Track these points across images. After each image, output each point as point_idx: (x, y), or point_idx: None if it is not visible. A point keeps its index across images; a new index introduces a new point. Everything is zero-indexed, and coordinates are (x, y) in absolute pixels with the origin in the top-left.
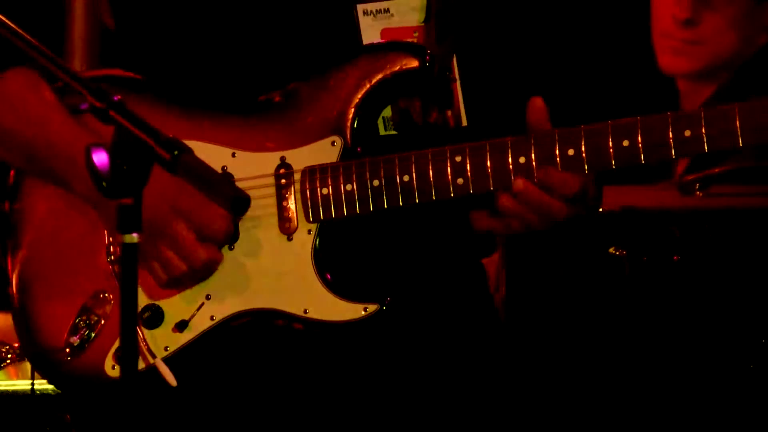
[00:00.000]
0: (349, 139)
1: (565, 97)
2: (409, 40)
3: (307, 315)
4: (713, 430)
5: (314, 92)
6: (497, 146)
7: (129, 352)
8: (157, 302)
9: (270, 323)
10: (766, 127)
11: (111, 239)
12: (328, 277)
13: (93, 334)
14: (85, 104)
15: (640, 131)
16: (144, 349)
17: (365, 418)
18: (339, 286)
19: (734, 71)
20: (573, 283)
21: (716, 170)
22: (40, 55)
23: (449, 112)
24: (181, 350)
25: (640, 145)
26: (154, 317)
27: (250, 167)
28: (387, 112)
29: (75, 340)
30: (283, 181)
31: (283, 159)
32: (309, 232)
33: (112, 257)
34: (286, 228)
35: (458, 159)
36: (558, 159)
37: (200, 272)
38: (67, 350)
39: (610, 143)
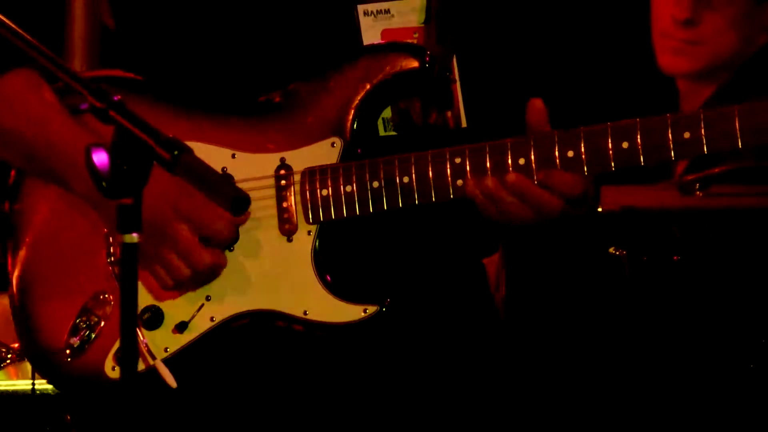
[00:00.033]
0: (348, 140)
1: (565, 98)
2: (410, 40)
3: (307, 316)
4: (713, 430)
5: (314, 93)
6: (497, 148)
7: (129, 353)
8: (157, 303)
9: (270, 324)
10: (766, 128)
11: (111, 240)
12: (328, 278)
13: (93, 335)
14: (85, 104)
15: (639, 133)
16: (144, 350)
17: (365, 419)
18: (339, 287)
19: (734, 71)
20: (573, 283)
21: (716, 170)
22: (40, 55)
23: (449, 113)
24: (181, 351)
25: (639, 147)
26: (154, 318)
27: (250, 168)
28: (387, 112)
29: (75, 340)
30: (283, 182)
31: (283, 160)
32: (309, 233)
33: (112, 258)
34: (286, 229)
35: (458, 160)
36: (557, 161)
37: (203, 275)
38: (68, 351)
39: (610, 145)
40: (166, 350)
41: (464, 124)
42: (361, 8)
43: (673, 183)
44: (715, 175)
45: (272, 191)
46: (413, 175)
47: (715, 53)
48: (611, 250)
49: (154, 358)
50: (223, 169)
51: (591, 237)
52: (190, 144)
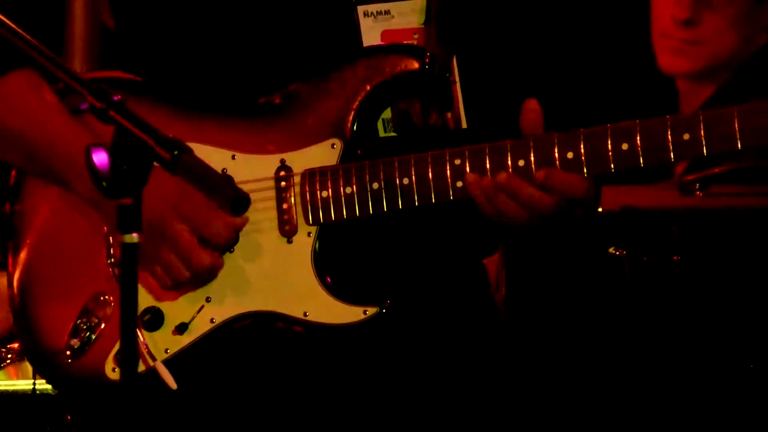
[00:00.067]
0: (348, 142)
1: (564, 98)
2: (410, 41)
3: (307, 318)
4: (713, 430)
5: (314, 94)
6: (496, 149)
7: (129, 354)
8: (157, 305)
9: (270, 326)
10: (765, 129)
11: (112, 241)
12: (328, 279)
13: (93, 336)
14: (85, 104)
15: (639, 134)
16: (144, 351)
17: (366, 421)
18: (339, 288)
19: (734, 71)
20: (573, 283)
21: (716, 170)
22: (40, 55)
23: (449, 114)
24: (181, 353)
25: (639, 149)
26: (155, 320)
27: (250, 169)
28: (387, 113)
29: (76, 342)
30: (283, 183)
31: (283, 161)
32: (309, 234)
33: (113, 259)
34: (286, 230)
35: (457, 162)
36: (557, 162)
37: (202, 276)
38: (68, 352)
39: (609, 146)
40: (166, 351)
41: (464, 125)
42: (361, 9)
43: (673, 183)
44: (715, 175)
45: (272, 192)
46: (413, 176)
47: (715, 53)
48: (611, 250)
49: (154, 359)
50: (223, 170)
51: (591, 237)
52: (191, 145)
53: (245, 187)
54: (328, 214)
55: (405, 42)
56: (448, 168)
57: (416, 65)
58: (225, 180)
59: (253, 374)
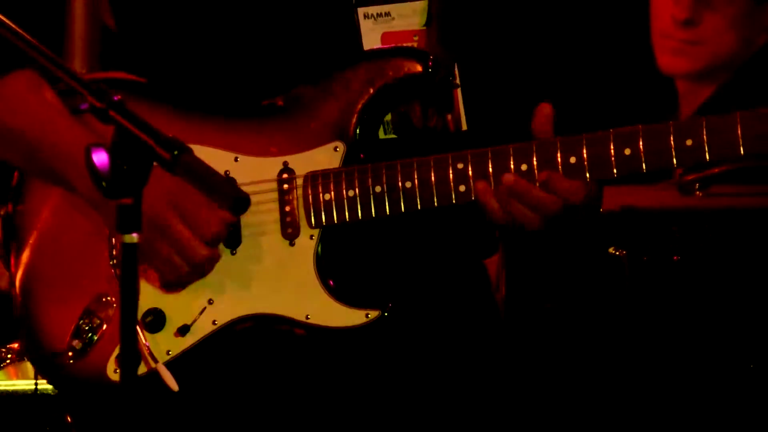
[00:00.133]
0: (351, 145)
1: (564, 98)
2: (410, 44)
3: (309, 321)
4: (713, 430)
5: (317, 97)
6: (499, 153)
7: (129, 355)
8: (159, 306)
9: (272, 328)
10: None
11: (114, 242)
12: (330, 282)
13: (95, 338)
14: (85, 104)
15: (642, 139)
16: (146, 353)
17: (367, 423)
18: (341, 291)
19: (734, 71)
20: (573, 283)
21: (716, 170)
22: (41, 55)
23: (449, 117)
24: (182, 354)
25: (641, 154)
26: (156, 321)
27: (252, 172)
28: (387, 116)
29: (77, 343)
30: (286, 186)
31: (285, 164)
32: (311, 237)
33: (115, 261)
34: (289, 233)
35: (460, 166)
36: (560, 167)
37: (200, 268)
38: (70, 353)
39: (612, 151)
40: (168, 353)
41: (464, 127)
42: (361, 11)
43: (673, 183)
44: (715, 175)
45: (275, 195)
46: (415, 180)
47: (714, 53)
48: (611, 250)
49: (156, 361)
50: (225, 172)
51: (591, 237)
52: (193, 147)
53: (248, 189)
54: (331, 217)
55: (405, 44)
56: (450, 172)
57: (419, 68)
58: (225, 180)
59: (254, 377)
